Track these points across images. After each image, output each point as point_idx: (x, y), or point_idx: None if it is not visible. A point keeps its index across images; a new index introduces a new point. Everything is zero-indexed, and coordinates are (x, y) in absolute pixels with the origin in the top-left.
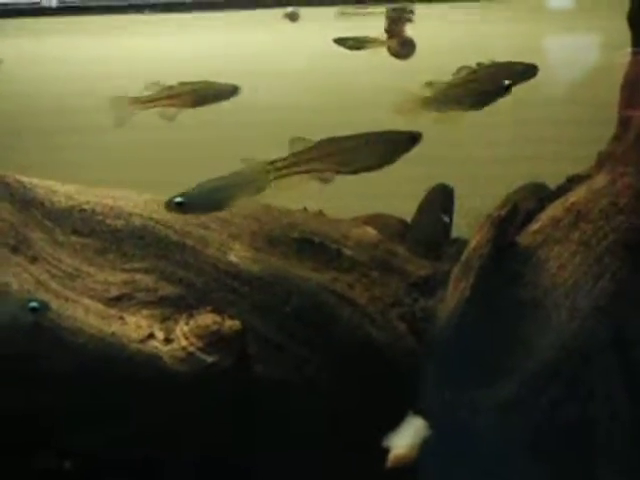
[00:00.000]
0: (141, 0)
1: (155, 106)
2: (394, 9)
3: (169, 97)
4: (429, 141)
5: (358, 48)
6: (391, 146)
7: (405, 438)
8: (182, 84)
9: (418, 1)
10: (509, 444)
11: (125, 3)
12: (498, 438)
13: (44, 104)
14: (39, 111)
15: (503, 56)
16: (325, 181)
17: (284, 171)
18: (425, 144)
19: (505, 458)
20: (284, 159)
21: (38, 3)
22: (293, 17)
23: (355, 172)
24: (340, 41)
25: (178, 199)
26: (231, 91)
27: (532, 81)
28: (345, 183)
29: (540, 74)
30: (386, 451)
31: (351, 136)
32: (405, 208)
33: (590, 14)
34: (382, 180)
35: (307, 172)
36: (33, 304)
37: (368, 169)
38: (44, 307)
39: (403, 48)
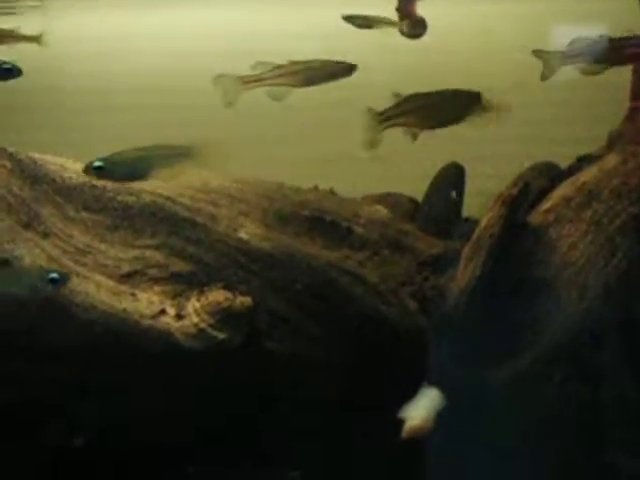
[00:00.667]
0: None
1: (264, 85)
2: None
3: (279, 76)
4: None
5: (368, 27)
6: (460, 104)
7: (420, 409)
8: (293, 63)
9: None
10: (519, 422)
11: None
12: (508, 416)
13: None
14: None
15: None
16: (414, 136)
17: (387, 123)
18: None
19: (516, 435)
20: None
21: None
22: None
23: (433, 128)
24: (349, 19)
25: (97, 163)
26: (348, 69)
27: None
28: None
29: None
30: (398, 425)
31: (432, 93)
32: (418, 187)
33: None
34: (395, 160)
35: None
36: (53, 275)
37: (443, 125)
38: (65, 278)
39: (415, 28)
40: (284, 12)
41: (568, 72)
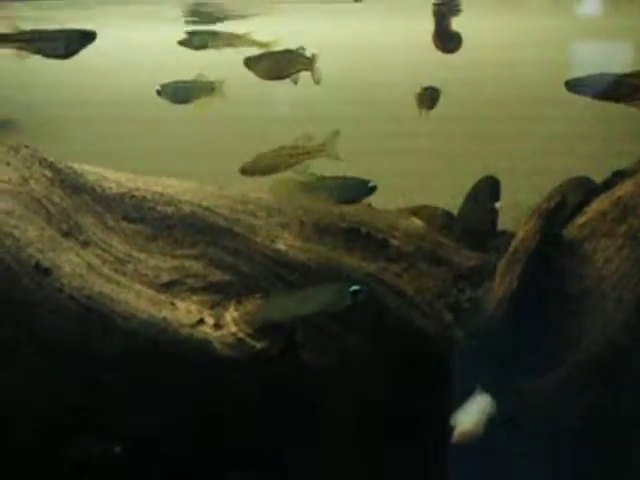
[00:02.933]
0: None
1: None
2: (441, 3)
3: None
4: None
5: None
6: None
7: (471, 415)
8: None
9: None
10: (554, 434)
11: None
12: (544, 428)
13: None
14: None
15: None
16: None
17: None
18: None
19: (551, 447)
20: None
21: None
22: None
23: None
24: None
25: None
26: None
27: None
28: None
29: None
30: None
31: None
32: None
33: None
34: (424, 174)
35: None
36: (355, 288)
37: None
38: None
39: (450, 43)
40: None
41: None
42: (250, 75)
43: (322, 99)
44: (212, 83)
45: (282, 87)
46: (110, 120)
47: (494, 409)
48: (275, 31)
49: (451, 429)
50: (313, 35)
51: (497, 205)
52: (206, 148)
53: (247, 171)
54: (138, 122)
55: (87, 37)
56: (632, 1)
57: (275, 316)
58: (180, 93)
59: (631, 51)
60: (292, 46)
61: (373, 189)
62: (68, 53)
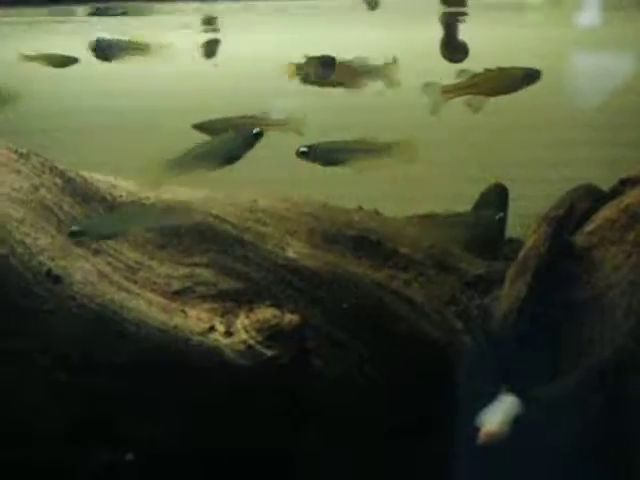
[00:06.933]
0: None
1: (466, 94)
2: (448, 12)
3: (476, 85)
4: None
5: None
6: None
7: (496, 415)
8: (488, 71)
9: None
10: (564, 440)
11: None
12: (554, 434)
13: None
14: None
15: None
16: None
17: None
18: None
19: (560, 454)
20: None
21: None
22: None
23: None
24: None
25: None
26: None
27: (593, 87)
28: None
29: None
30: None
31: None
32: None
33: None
34: (438, 181)
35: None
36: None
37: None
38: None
39: (457, 53)
40: None
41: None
42: None
43: None
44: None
45: None
46: None
47: (520, 409)
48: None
49: (476, 430)
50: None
51: (500, 215)
52: None
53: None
54: None
55: None
56: (631, 10)
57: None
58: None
59: (630, 60)
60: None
61: None
62: None
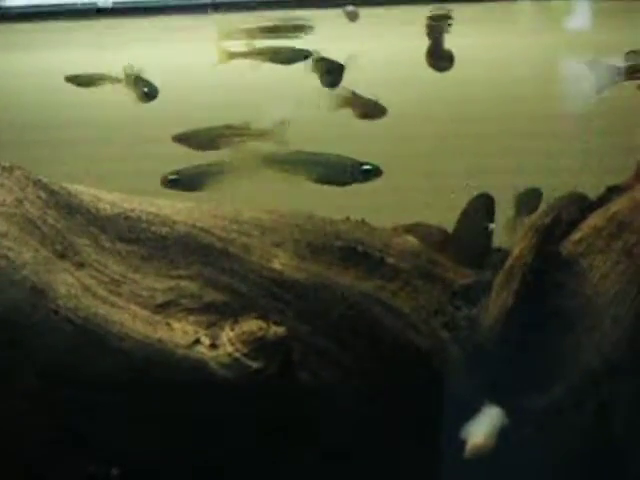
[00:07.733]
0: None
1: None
2: (434, 17)
3: None
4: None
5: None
6: None
7: (482, 427)
8: None
9: None
10: (553, 451)
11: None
12: (542, 445)
13: None
14: None
15: None
16: None
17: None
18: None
19: (549, 465)
20: None
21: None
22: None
23: None
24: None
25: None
26: None
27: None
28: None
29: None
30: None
31: None
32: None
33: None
34: (427, 190)
35: None
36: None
37: None
38: None
39: (443, 62)
40: None
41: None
42: None
43: None
44: None
45: None
46: None
47: (504, 421)
48: None
49: (462, 442)
50: None
51: (492, 223)
52: None
53: (181, 139)
54: None
55: None
56: (621, 16)
57: None
58: None
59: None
60: None
61: (368, 172)
62: None
